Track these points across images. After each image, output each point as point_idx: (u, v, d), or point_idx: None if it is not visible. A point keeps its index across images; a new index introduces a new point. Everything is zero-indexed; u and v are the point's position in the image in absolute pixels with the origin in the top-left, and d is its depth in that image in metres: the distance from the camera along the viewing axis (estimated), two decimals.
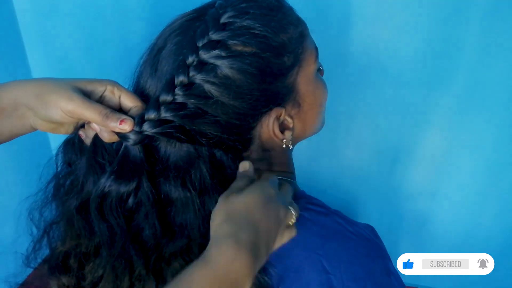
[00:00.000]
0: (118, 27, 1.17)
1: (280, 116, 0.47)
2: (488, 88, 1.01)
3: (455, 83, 1.02)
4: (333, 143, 1.19)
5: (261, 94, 0.45)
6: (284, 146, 0.49)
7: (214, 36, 0.43)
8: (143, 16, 1.13)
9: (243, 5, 0.45)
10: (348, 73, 1.06)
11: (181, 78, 0.43)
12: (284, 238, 0.43)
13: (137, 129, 0.43)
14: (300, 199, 0.50)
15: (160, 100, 0.43)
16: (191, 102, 0.43)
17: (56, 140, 1.44)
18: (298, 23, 0.48)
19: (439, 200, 1.21)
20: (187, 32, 0.45)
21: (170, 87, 0.43)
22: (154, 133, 0.43)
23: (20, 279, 1.42)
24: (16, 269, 1.32)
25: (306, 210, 0.48)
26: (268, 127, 0.47)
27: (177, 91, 0.43)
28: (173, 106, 0.43)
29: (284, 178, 0.51)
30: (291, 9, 0.49)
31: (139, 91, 0.48)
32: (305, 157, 1.21)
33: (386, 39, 1.01)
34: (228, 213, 0.41)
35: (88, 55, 1.23)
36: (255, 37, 0.43)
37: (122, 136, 0.43)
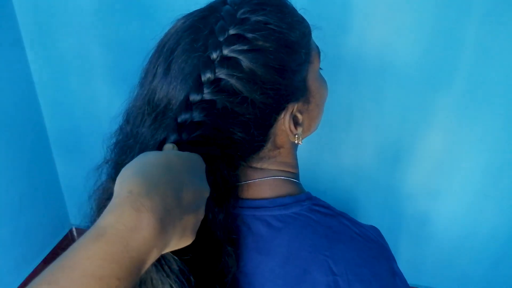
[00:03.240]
0: (117, 27, 1.17)
1: (293, 111, 0.48)
2: (488, 88, 1.01)
3: (455, 83, 1.03)
4: (333, 143, 1.19)
5: (284, 88, 0.45)
6: (297, 142, 0.50)
7: (234, 30, 0.42)
8: (142, 16, 1.13)
9: (256, 1, 0.45)
10: (348, 73, 1.06)
11: (208, 75, 0.41)
12: (182, 241, 0.35)
13: (174, 137, 0.41)
14: (306, 200, 0.49)
15: (190, 100, 0.42)
16: (220, 99, 0.42)
17: (56, 142, 1.44)
18: (304, 21, 0.49)
19: (439, 200, 1.22)
20: (203, 29, 0.44)
21: (198, 85, 0.42)
22: (193, 137, 0.41)
23: (20, 279, 1.42)
24: (16, 267, 1.32)
25: (312, 211, 0.48)
26: (284, 122, 0.47)
27: (205, 89, 0.41)
28: (205, 104, 0.42)
29: (289, 178, 0.51)
30: (294, 8, 0.50)
31: (150, 94, 0.46)
32: (305, 157, 1.21)
33: (386, 39, 1.01)
34: (141, 164, 0.34)
35: (88, 55, 1.23)
36: (274, 32, 0.44)
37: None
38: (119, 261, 0.28)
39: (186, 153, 0.38)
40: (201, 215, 0.37)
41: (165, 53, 0.46)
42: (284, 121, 0.47)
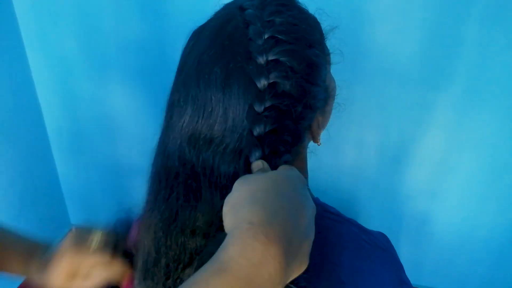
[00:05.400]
0: (117, 27, 1.17)
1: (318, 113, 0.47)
2: (488, 88, 1.01)
3: (456, 83, 1.03)
4: (333, 142, 1.19)
5: (321, 90, 0.44)
6: (319, 144, 0.49)
7: (269, 33, 0.41)
8: (142, 16, 1.13)
9: (276, 2, 0.44)
10: (348, 73, 1.06)
11: (263, 81, 0.39)
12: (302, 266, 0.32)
13: (258, 152, 0.39)
14: (316, 206, 0.49)
15: (256, 110, 0.39)
16: (280, 103, 0.40)
17: (55, 141, 1.44)
18: (317, 21, 0.49)
19: (439, 200, 1.21)
20: (233, 38, 0.41)
21: (258, 93, 0.39)
22: (273, 148, 0.40)
23: (20, 279, 1.42)
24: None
25: (322, 218, 0.47)
26: (313, 126, 0.46)
27: (266, 95, 0.39)
28: (273, 111, 0.39)
29: None
30: (307, 8, 0.49)
31: (194, 120, 0.42)
32: None
33: (386, 39, 1.01)
34: (251, 191, 0.32)
35: (88, 55, 1.23)
36: (302, 33, 0.43)
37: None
38: None
39: (286, 171, 0.36)
40: (313, 236, 0.33)
41: (193, 63, 0.42)
42: (313, 127, 0.46)
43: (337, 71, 0.56)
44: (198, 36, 0.43)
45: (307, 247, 0.32)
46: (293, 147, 0.42)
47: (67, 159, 1.47)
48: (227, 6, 0.46)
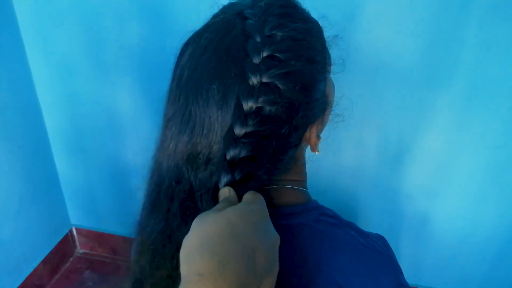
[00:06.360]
0: (117, 27, 1.17)
1: (317, 125, 0.47)
2: (488, 88, 1.01)
3: (456, 84, 1.02)
4: (333, 143, 1.19)
5: (315, 106, 0.44)
6: (317, 152, 0.49)
7: (268, 51, 0.39)
8: (141, 16, 1.13)
9: (278, 11, 0.42)
10: (347, 73, 1.06)
11: (250, 104, 0.38)
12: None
13: (227, 178, 0.38)
14: (313, 210, 0.48)
15: (236, 134, 0.38)
16: (263, 129, 0.38)
17: (55, 141, 1.44)
18: (320, 27, 0.48)
19: (439, 200, 1.21)
20: (231, 49, 0.39)
21: (241, 116, 0.38)
22: (244, 174, 0.39)
23: (20, 279, 1.42)
24: (16, 267, 1.32)
25: (319, 221, 0.47)
26: (310, 138, 0.47)
27: (250, 120, 0.38)
28: (251, 138, 0.38)
29: (297, 187, 0.50)
30: (309, 14, 0.48)
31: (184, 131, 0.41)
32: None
33: (386, 39, 1.01)
34: (204, 237, 0.31)
35: (88, 55, 1.23)
36: (303, 48, 0.41)
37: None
38: None
39: (246, 208, 0.35)
40: (277, 268, 0.33)
41: (195, 91, 0.40)
42: (310, 137, 0.46)
43: (337, 78, 0.56)
44: (197, 44, 0.41)
45: (270, 282, 0.31)
46: (272, 170, 0.41)
47: (67, 159, 1.47)
48: (226, 11, 0.44)
